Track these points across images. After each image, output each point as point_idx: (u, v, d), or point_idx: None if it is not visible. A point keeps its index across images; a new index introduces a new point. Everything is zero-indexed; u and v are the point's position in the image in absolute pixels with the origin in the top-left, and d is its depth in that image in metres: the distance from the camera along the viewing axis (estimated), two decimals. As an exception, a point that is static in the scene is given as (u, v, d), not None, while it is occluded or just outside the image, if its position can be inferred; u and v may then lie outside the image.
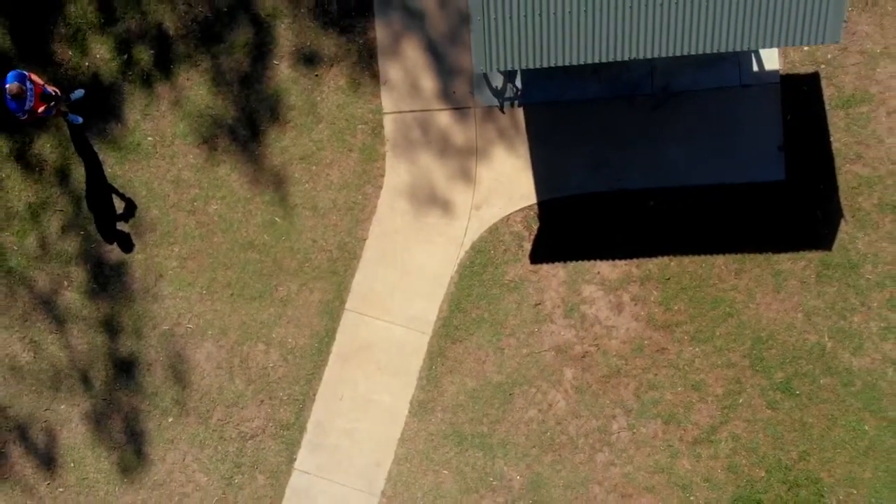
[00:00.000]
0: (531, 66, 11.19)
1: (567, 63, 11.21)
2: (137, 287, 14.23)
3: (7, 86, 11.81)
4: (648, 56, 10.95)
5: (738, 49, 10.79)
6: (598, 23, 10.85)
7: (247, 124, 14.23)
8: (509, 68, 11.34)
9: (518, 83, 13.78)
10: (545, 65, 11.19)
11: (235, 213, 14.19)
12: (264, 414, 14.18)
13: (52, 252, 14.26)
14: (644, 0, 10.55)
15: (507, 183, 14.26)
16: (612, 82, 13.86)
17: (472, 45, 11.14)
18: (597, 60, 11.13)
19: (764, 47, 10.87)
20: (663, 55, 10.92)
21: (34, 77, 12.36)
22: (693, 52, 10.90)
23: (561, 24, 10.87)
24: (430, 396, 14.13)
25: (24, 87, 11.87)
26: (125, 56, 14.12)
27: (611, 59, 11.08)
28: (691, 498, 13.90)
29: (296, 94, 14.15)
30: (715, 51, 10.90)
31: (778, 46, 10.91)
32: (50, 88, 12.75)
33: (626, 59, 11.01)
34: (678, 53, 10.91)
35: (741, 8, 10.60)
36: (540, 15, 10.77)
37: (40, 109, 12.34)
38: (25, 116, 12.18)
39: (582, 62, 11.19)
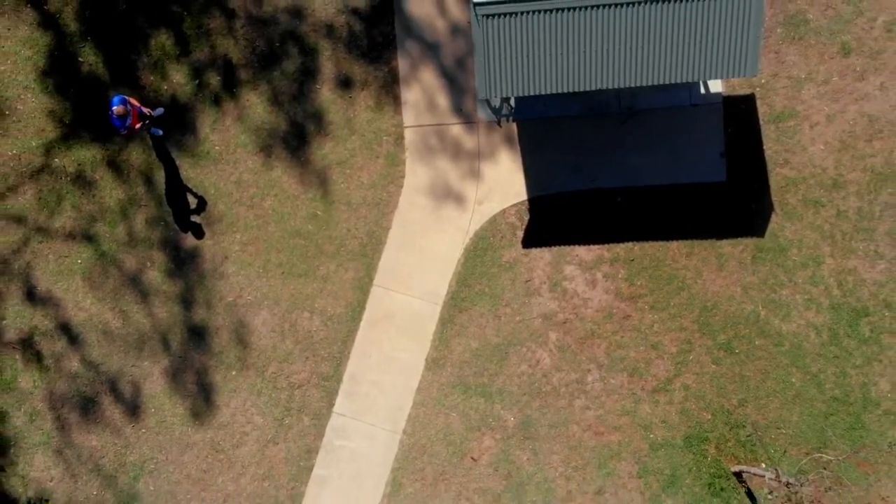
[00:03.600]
0: (523, 94, 13.36)
1: (551, 92, 13.32)
2: (207, 267, 16.01)
3: (114, 108, 13.92)
4: (613, 86, 13.23)
5: (679, 81, 13.14)
6: (575, 61, 13.08)
7: (295, 136, 15.96)
8: (506, 96, 13.59)
9: (512, 103, 15.83)
10: (534, 93, 13.34)
11: (285, 207, 15.99)
12: (309, 368, 16.06)
13: (137, 239, 16.01)
14: (609, 46, 12.89)
15: (503, 183, 16.09)
16: (588, 103, 15.83)
17: (476, 77, 13.36)
18: (574, 90, 13.30)
19: (697, 80, 13.27)
20: (624, 86, 13.24)
21: (132, 100, 14.49)
22: (647, 84, 13.22)
23: (546, 62, 13.09)
24: (442, 354, 16.08)
25: (127, 109, 13.98)
26: (197, 81, 15.89)
27: (584, 89, 13.30)
28: (651, 436, 15.92)
29: (334, 112, 15.95)
30: (664, 82, 13.20)
31: (710, 79, 13.26)
32: (144, 109, 14.91)
33: (595, 88, 13.25)
34: (636, 85, 13.22)
35: (681, 51, 12.97)
36: (529, 55, 13.04)
37: (137, 126, 14.52)
38: (125, 132, 14.36)
39: (563, 91, 13.31)
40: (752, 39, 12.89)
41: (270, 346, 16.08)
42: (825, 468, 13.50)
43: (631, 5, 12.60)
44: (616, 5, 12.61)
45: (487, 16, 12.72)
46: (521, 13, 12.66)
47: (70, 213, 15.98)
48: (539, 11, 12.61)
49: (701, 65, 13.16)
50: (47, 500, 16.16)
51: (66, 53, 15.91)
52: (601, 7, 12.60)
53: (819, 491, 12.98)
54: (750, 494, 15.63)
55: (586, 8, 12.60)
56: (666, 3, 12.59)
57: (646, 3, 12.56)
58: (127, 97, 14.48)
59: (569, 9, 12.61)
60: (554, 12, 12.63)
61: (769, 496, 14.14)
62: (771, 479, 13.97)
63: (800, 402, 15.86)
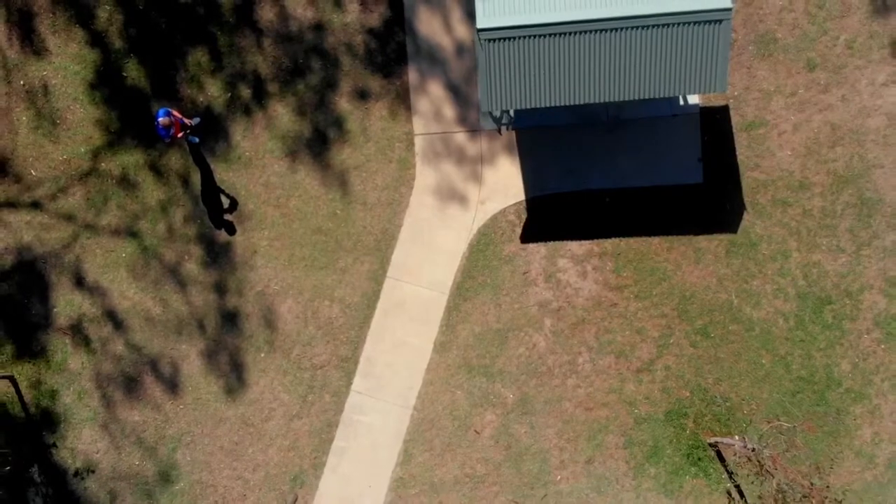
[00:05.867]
0: (521, 107, 14.70)
1: (546, 105, 14.64)
2: (238, 260, 17.09)
3: (160, 119, 15.25)
4: (601, 101, 14.58)
5: (658, 96, 14.53)
6: (567, 79, 14.45)
7: (317, 143, 17.09)
8: (506, 109, 15.12)
9: (512, 114, 17.02)
10: (531, 106, 14.66)
11: (308, 206, 17.09)
12: (329, 351, 17.14)
13: (176, 235, 17.10)
14: (598, 66, 14.32)
15: (504, 185, 17.16)
16: (579, 114, 16.97)
17: (479, 92, 14.77)
18: (567, 104, 14.66)
19: (675, 95, 14.69)
20: (611, 100, 14.63)
21: (175, 112, 15.78)
22: (631, 98, 14.60)
23: (542, 79, 14.44)
24: (448, 339, 17.15)
25: (171, 120, 15.30)
26: (230, 93, 17.05)
27: (576, 103, 14.68)
28: (636, 411, 17.01)
29: (351, 121, 17.07)
30: (645, 97, 14.58)
31: (684, 94, 14.74)
32: (186, 120, 16.19)
33: (585, 102, 14.64)
34: (621, 99, 14.60)
35: (660, 70, 14.39)
36: (527, 73, 14.41)
37: (179, 135, 15.83)
38: (169, 140, 15.68)
39: (557, 104, 14.65)
40: (720, 60, 14.38)
41: (295, 331, 17.25)
42: (783, 434, 15.04)
43: (616, 31, 14.10)
44: (603, 31, 14.09)
45: (490, 40, 14.21)
46: (520, 38, 14.16)
47: (115, 212, 17.17)
48: (535, 36, 14.11)
49: (677, 82, 14.58)
50: (93, 471, 17.32)
51: (112, 68, 17.16)
52: (591, 32, 14.10)
53: (777, 454, 14.57)
54: (722, 460, 16.89)
55: (578, 33, 14.09)
56: (646, 28, 14.09)
57: (629, 28, 14.07)
58: (170, 109, 15.79)
59: (562, 34, 14.10)
60: (549, 37, 14.13)
61: (735, 458, 15.71)
62: (740, 446, 15.43)
63: (769, 381, 16.97)
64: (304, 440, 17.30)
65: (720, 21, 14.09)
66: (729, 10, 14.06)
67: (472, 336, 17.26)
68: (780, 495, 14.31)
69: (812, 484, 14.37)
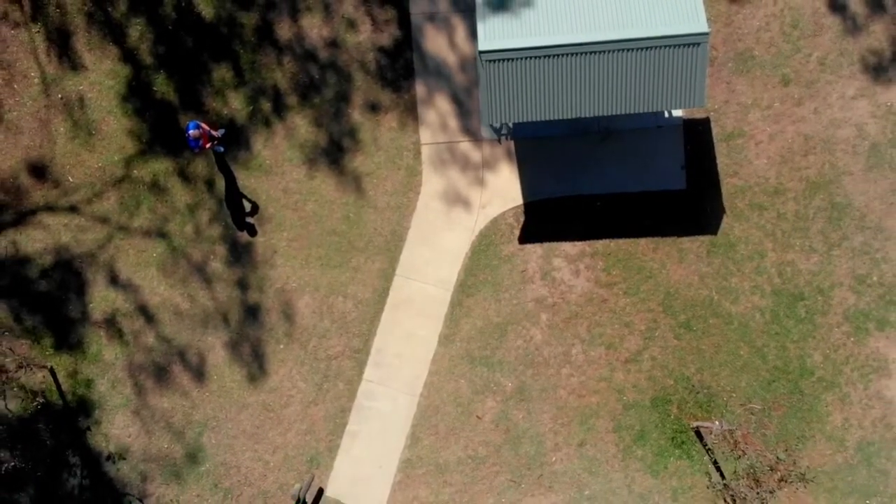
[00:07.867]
0: (519, 120, 15.79)
1: (542, 119, 15.69)
2: (259, 259, 17.86)
3: (190, 131, 16.27)
4: (592, 115, 15.65)
5: (643, 111, 15.61)
6: (561, 95, 15.52)
7: (332, 152, 17.91)
8: (505, 122, 16.18)
9: (510, 125, 17.94)
10: (528, 119, 15.72)
11: (324, 210, 17.87)
12: (343, 343, 17.90)
13: (202, 236, 17.87)
14: (589, 84, 15.43)
15: (503, 190, 17.88)
16: (572, 125, 17.81)
17: (481, 106, 15.82)
18: (561, 117, 15.70)
19: (659, 109, 15.82)
20: (601, 115, 15.67)
21: (203, 125, 16.76)
22: (619, 113, 15.63)
23: (538, 95, 15.50)
24: (452, 331, 17.88)
25: (200, 132, 16.32)
26: (251, 106, 17.92)
27: (569, 117, 15.72)
28: (624, 398, 17.73)
29: (363, 132, 17.94)
30: (632, 112, 15.61)
31: (665, 109, 15.78)
32: (213, 132, 17.22)
33: (578, 116, 15.72)
34: (610, 114, 15.67)
35: (645, 87, 15.49)
36: (524, 90, 15.50)
37: (207, 145, 16.85)
38: (198, 150, 16.71)
39: (551, 118, 15.68)
40: (699, 78, 15.57)
41: (311, 324, 18.00)
42: (754, 416, 16.27)
43: (605, 53, 15.33)
44: (594, 53, 15.32)
45: (491, 60, 15.42)
46: (518, 59, 15.39)
47: (146, 215, 18.03)
48: (532, 58, 15.35)
49: (661, 98, 15.70)
50: (125, 454, 18.09)
51: (143, 83, 18.10)
52: (582, 54, 15.33)
53: (748, 433, 15.83)
54: (703, 441, 17.84)
55: (571, 55, 15.33)
56: (632, 51, 15.34)
57: (616, 51, 15.33)
58: (199, 122, 16.78)
59: (557, 55, 15.34)
60: (545, 58, 15.36)
61: (713, 438, 16.96)
62: (717, 428, 16.64)
63: (747, 371, 17.67)
64: (319, 425, 18.08)
65: (698, 44, 15.29)
66: (706, 34, 15.26)
67: (474, 329, 17.95)
68: (751, 470, 15.54)
69: (778, 459, 15.64)
